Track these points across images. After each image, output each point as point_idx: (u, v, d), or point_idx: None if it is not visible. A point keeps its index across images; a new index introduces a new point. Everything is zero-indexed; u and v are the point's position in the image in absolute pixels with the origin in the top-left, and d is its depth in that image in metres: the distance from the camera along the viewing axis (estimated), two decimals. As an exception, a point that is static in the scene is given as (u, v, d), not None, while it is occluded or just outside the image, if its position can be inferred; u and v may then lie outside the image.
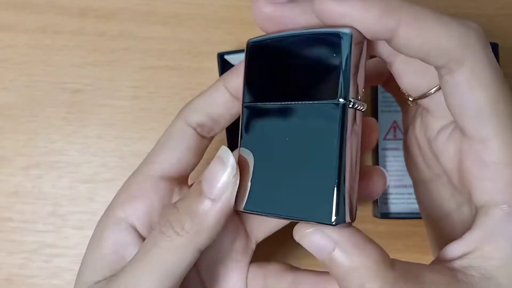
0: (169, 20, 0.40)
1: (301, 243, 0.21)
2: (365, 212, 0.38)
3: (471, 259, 0.21)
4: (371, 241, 0.21)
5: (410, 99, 0.25)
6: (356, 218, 0.21)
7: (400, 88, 0.26)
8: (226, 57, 0.36)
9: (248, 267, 0.29)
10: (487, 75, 0.20)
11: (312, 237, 0.21)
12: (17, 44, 0.40)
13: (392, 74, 0.26)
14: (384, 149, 0.37)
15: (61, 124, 0.39)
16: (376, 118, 0.37)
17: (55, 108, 0.39)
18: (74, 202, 0.39)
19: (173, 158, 0.26)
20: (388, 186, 0.37)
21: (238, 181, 0.23)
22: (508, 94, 0.21)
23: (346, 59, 0.20)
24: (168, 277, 0.23)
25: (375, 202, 0.37)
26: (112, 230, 0.26)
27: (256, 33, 0.41)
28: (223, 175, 0.23)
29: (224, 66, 0.36)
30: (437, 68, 0.21)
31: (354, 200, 0.21)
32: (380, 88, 0.37)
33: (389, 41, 0.21)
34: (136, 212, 0.26)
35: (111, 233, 0.26)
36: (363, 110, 0.21)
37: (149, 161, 0.27)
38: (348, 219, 0.20)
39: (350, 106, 0.20)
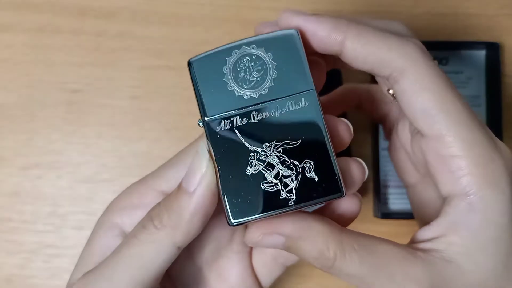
0: (169, 20, 0.40)
1: (258, 246, 0.24)
2: (365, 212, 0.38)
3: (436, 243, 0.23)
4: (317, 219, 0.23)
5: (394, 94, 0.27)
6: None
7: (372, 109, 0.30)
8: (225, 57, 0.36)
9: (251, 254, 0.29)
10: (429, 79, 0.23)
11: (262, 241, 0.23)
12: (17, 44, 0.40)
13: (362, 100, 0.30)
14: (385, 149, 0.37)
15: (61, 124, 0.39)
16: (376, 118, 0.37)
17: (54, 108, 0.39)
18: (73, 202, 0.39)
19: (181, 177, 0.26)
20: (389, 186, 0.37)
21: (212, 175, 0.23)
22: (455, 93, 0.23)
23: (194, 87, 0.24)
24: (145, 269, 0.23)
25: (376, 202, 0.37)
26: (105, 234, 0.26)
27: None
28: (199, 170, 0.23)
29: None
30: (388, 79, 0.24)
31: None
32: (380, 88, 0.37)
33: (339, 54, 0.24)
34: (133, 221, 0.26)
35: (103, 236, 0.26)
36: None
37: (157, 174, 0.27)
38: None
39: (201, 125, 0.24)
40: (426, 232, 0.24)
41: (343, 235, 0.23)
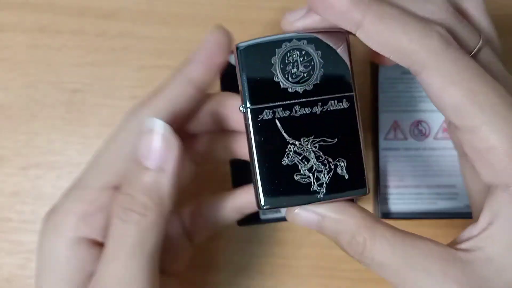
0: (168, 20, 0.40)
1: (293, 222, 0.25)
2: (365, 212, 0.38)
3: (478, 241, 0.22)
4: (354, 205, 0.24)
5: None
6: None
7: None
8: (226, 57, 0.36)
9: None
10: (455, 73, 0.21)
11: (298, 216, 0.25)
12: (16, 44, 0.40)
13: None
14: (385, 149, 0.37)
15: (60, 124, 0.39)
16: (377, 118, 0.37)
17: (54, 108, 0.39)
18: (73, 202, 0.39)
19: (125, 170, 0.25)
20: (389, 186, 0.37)
21: (179, 145, 0.24)
22: (487, 84, 0.21)
23: (240, 72, 0.24)
24: (152, 257, 0.23)
25: (376, 202, 0.37)
26: (71, 253, 0.25)
27: (256, 33, 0.41)
28: (160, 146, 0.23)
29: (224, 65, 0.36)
30: (409, 70, 0.23)
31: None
32: (381, 88, 0.37)
33: (354, 33, 0.22)
34: (95, 226, 0.25)
35: (70, 257, 0.25)
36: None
37: (99, 172, 0.25)
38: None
39: (243, 111, 0.24)
40: (472, 230, 0.23)
41: (376, 223, 0.23)
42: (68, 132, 0.39)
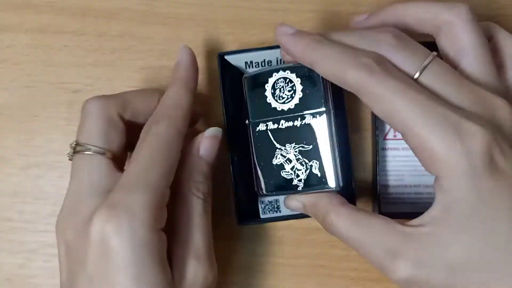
0: (169, 20, 0.40)
1: (287, 208, 0.33)
2: (365, 212, 0.38)
3: (423, 219, 0.27)
4: (325, 194, 0.31)
5: None
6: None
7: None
8: (226, 57, 0.36)
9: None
10: (376, 94, 0.27)
11: (289, 203, 0.33)
12: (17, 44, 0.40)
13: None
14: (384, 149, 0.37)
15: (61, 124, 0.39)
16: (377, 118, 0.37)
17: (55, 108, 0.40)
18: (74, 202, 0.39)
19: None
20: (389, 186, 0.37)
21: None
22: (412, 98, 0.26)
23: (245, 95, 0.33)
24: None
25: (376, 202, 0.37)
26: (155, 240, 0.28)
27: (256, 33, 0.41)
28: (215, 144, 0.33)
29: (224, 66, 0.36)
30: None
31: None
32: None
33: (311, 68, 0.29)
34: (164, 218, 0.30)
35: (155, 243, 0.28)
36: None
37: (163, 173, 0.30)
38: (265, 191, 0.32)
39: (247, 124, 0.33)
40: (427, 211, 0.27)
41: (340, 207, 0.30)
42: (69, 132, 0.39)
